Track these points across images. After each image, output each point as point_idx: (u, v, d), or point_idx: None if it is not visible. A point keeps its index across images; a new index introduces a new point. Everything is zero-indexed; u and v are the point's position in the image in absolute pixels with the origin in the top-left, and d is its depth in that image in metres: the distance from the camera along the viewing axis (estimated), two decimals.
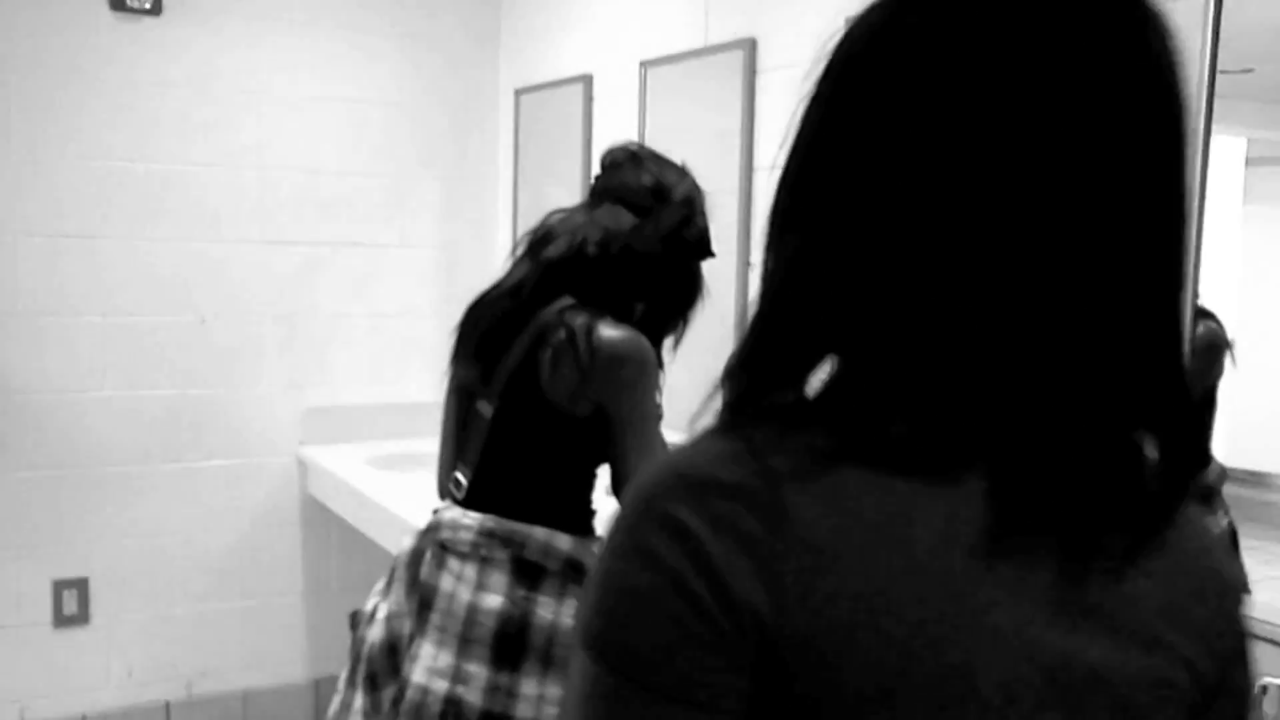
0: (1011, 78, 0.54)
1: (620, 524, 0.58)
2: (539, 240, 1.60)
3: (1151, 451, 0.61)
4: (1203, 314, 1.56)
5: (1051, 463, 0.57)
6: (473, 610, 1.48)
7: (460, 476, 1.58)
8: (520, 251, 1.63)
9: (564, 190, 2.95)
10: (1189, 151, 0.58)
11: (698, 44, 2.58)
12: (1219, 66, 1.51)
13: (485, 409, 1.55)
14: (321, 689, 3.37)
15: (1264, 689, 1.38)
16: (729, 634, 0.54)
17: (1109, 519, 0.60)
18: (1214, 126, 1.53)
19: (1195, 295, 1.55)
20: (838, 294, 0.58)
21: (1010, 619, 0.57)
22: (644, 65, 2.77)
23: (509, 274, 1.63)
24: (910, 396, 0.58)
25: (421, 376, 3.25)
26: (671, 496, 0.56)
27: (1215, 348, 1.59)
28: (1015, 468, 0.57)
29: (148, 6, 3.03)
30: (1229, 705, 0.66)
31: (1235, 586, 0.68)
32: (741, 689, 0.54)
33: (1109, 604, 0.60)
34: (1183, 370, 0.61)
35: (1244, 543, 1.62)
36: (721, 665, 0.54)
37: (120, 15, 3.01)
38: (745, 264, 2.45)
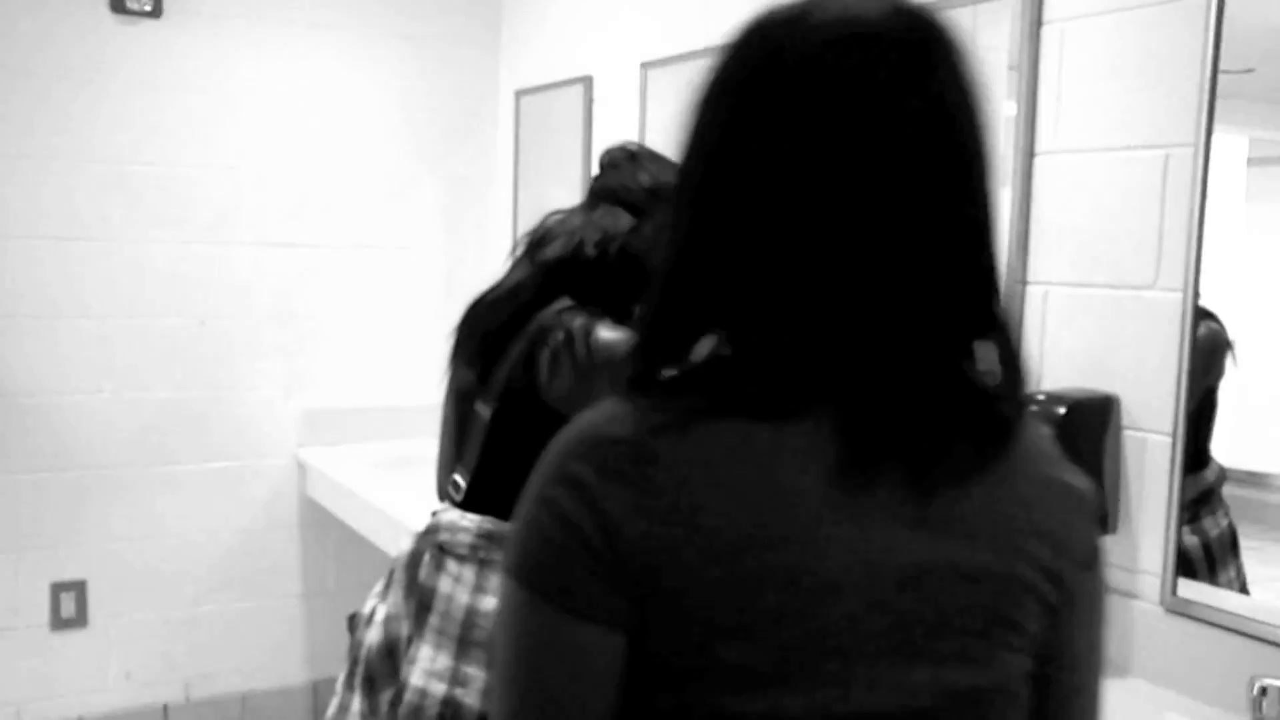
0: (833, 117, 0.71)
1: (538, 476, 0.74)
2: (537, 242, 1.60)
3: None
4: (1204, 314, 1.55)
5: (887, 399, 0.71)
6: (471, 613, 1.47)
7: (458, 478, 1.58)
8: (518, 253, 1.62)
9: (564, 192, 2.94)
10: (1011, 148, 0.74)
11: (698, 45, 2.58)
12: (1220, 66, 1.51)
13: (483, 411, 1.55)
14: (320, 691, 3.36)
15: (1263, 690, 1.37)
16: (611, 562, 0.69)
17: (950, 439, 0.72)
18: (1215, 126, 1.52)
19: (1196, 295, 1.54)
20: (705, 291, 0.74)
21: (864, 531, 0.70)
22: (645, 67, 2.77)
23: (507, 275, 1.62)
24: (765, 361, 0.73)
25: (420, 378, 3.24)
26: (572, 454, 0.72)
27: (1217, 348, 1.59)
28: (858, 406, 0.71)
29: (148, 9, 3.03)
30: (1085, 607, 0.78)
31: (1085, 498, 0.79)
32: (619, 605, 0.69)
33: (959, 514, 0.72)
34: (998, 311, 0.76)
35: (1244, 543, 1.62)
36: (604, 588, 0.69)
37: (120, 17, 3.01)
38: None
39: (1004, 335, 0.76)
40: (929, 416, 0.72)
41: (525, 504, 0.74)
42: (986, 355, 0.76)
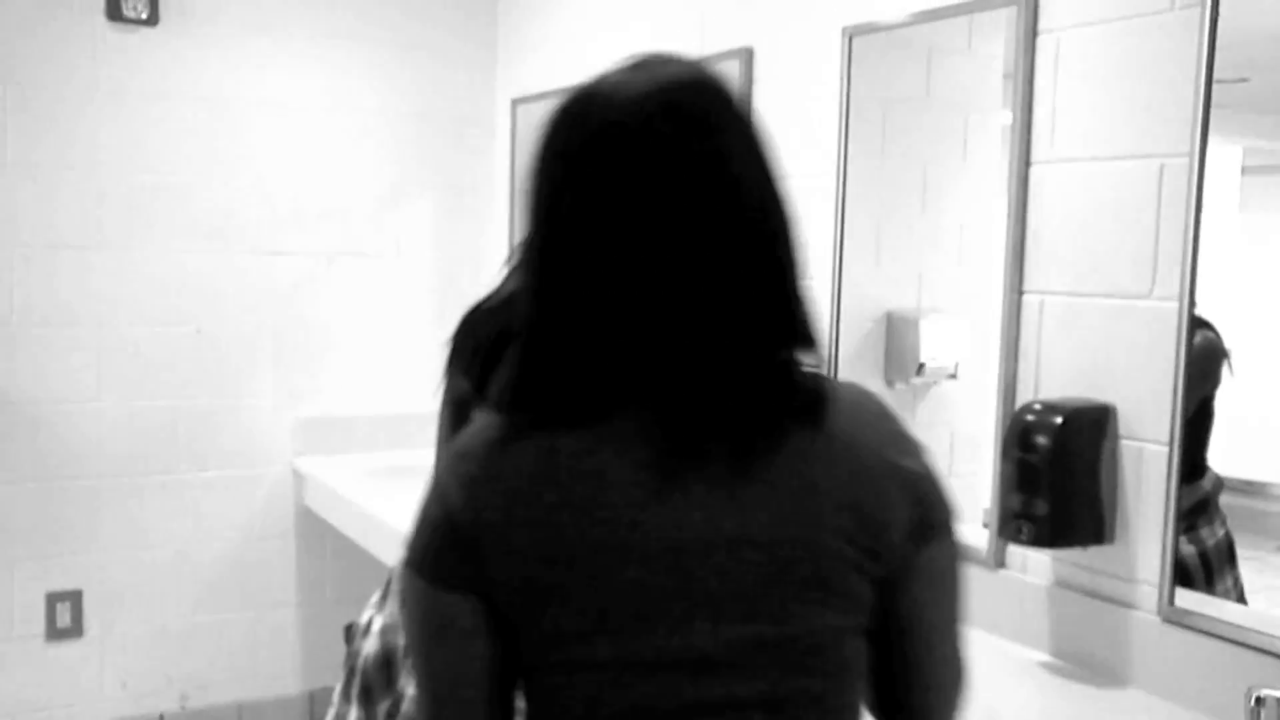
0: (635, 180, 0.86)
1: (428, 484, 0.93)
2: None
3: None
4: (1200, 323, 1.55)
5: (690, 404, 0.86)
6: None
7: None
8: (514, 262, 1.62)
9: None
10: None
11: (694, 53, 2.58)
12: (1215, 76, 1.51)
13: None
14: (316, 701, 3.35)
15: (1260, 700, 1.37)
16: (462, 547, 0.88)
17: (751, 433, 0.86)
18: (1210, 135, 1.52)
19: (1192, 305, 1.54)
20: (556, 327, 0.89)
21: (668, 509, 0.85)
22: None
23: (502, 284, 1.62)
24: (583, 377, 0.88)
25: (417, 387, 3.24)
26: (442, 465, 0.93)
27: (1213, 357, 1.59)
28: (664, 411, 0.86)
29: (144, 17, 3.03)
30: (927, 580, 0.92)
31: (909, 477, 0.90)
32: (469, 574, 0.88)
33: (757, 493, 0.85)
34: (800, 321, 0.90)
35: (1241, 553, 1.62)
36: (466, 571, 0.88)
37: (117, 26, 3.01)
38: None
39: (808, 339, 0.90)
40: (727, 417, 0.86)
41: (418, 508, 0.93)
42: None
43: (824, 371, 0.92)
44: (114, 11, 3.00)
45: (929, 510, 0.92)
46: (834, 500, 0.87)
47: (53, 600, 3.06)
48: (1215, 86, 1.51)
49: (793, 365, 0.89)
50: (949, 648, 0.97)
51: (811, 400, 0.89)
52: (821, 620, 0.87)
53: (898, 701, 0.96)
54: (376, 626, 1.59)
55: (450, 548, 0.89)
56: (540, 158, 0.90)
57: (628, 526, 0.85)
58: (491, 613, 0.88)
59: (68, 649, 3.09)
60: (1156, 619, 1.59)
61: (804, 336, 0.90)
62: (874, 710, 0.98)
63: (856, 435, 0.90)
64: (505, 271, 1.64)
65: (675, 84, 0.88)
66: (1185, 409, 1.55)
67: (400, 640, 1.55)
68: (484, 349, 1.60)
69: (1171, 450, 1.57)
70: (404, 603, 0.95)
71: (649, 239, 0.86)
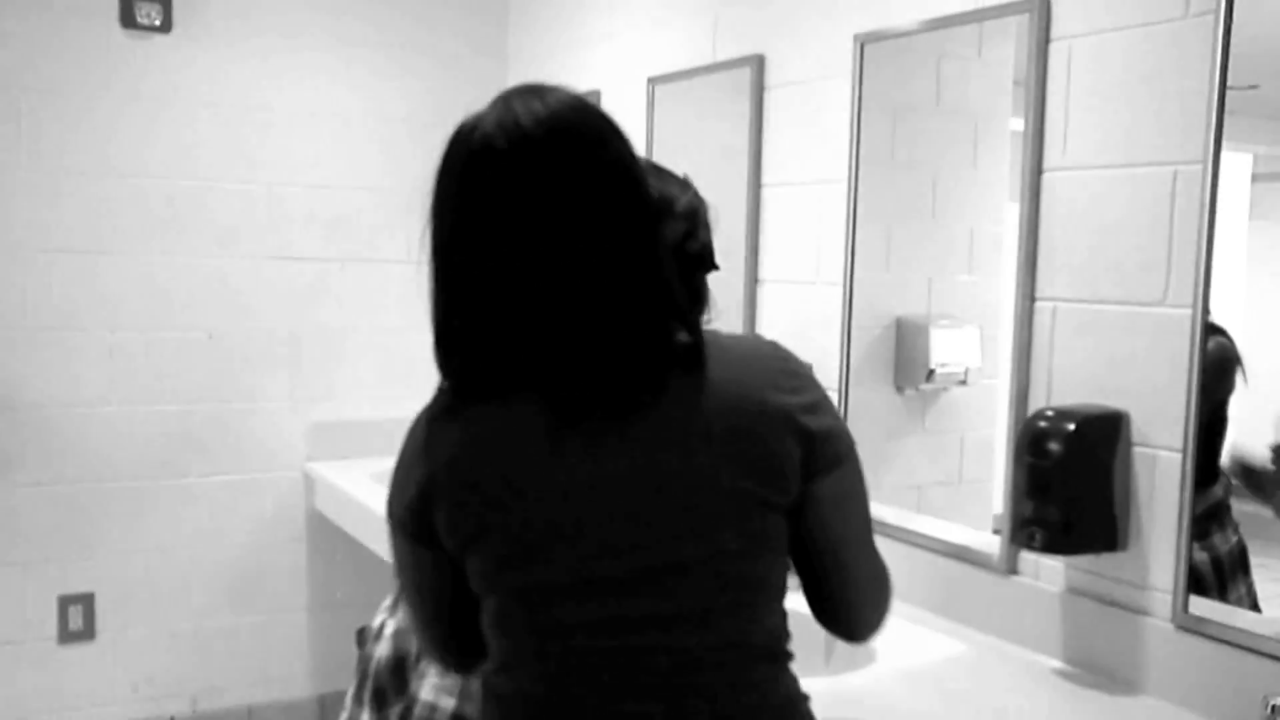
0: (531, 195, 1.02)
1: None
2: None
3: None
4: (1213, 329, 1.55)
5: (575, 379, 1.02)
6: None
7: None
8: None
9: None
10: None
11: (706, 60, 2.59)
12: (1227, 83, 1.51)
13: None
14: (327, 705, 3.36)
15: (1275, 709, 1.37)
16: (411, 501, 1.08)
17: (628, 395, 1.02)
18: (1222, 143, 1.53)
19: (1206, 312, 1.54)
20: (458, 323, 1.08)
21: (564, 461, 1.03)
22: (652, 82, 2.78)
23: None
24: (491, 367, 1.05)
25: (428, 392, 3.24)
26: (406, 437, 1.13)
27: (1226, 363, 1.59)
28: (554, 385, 1.03)
29: (157, 24, 3.05)
30: (828, 506, 1.07)
31: (782, 415, 1.04)
32: (423, 526, 1.08)
33: (639, 444, 1.02)
34: (666, 304, 1.04)
35: (1254, 560, 1.61)
36: (412, 520, 1.09)
37: (130, 33, 3.03)
38: (753, 279, 2.44)
39: (683, 313, 1.05)
40: (602, 381, 1.02)
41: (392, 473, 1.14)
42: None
43: (716, 330, 1.09)
44: (128, 18, 3.02)
45: (818, 444, 1.05)
46: (719, 439, 1.02)
47: (65, 603, 3.08)
48: (1227, 93, 1.51)
49: (672, 331, 1.04)
50: (864, 560, 1.13)
51: (689, 353, 1.04)
52: (715, 547, 1.03)
53: (830, 611, 1.14)
54: (389, 630, 1.60)
55: (408, 508, 1.09)
56: (441, 180, 1.10)
57: (531, 478, 1.04)
58: (444, 555, 1.09)
59: (80, 652, 3.11)
60: (1170, 626, 1.59)
61: (679, 311, 1.05)
62: (816, 619, 1.15)
63: (739, 378, 1.05)
64: None
65: (568, 105, 1.06)
66: (1199, 415, 1.55)
67: (412, 645, 1.56)
68: None
69: (1185, 457, 1.57)
70: (392, 550, 1.17)
71: (536, 244, 1.01)
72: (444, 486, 1.06)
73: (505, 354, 1.04)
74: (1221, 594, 1.58)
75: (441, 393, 1.10)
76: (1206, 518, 1.59)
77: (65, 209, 3.00)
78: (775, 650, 1.09)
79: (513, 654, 1.09)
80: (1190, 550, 1.56)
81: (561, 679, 1.06)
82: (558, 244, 1.01)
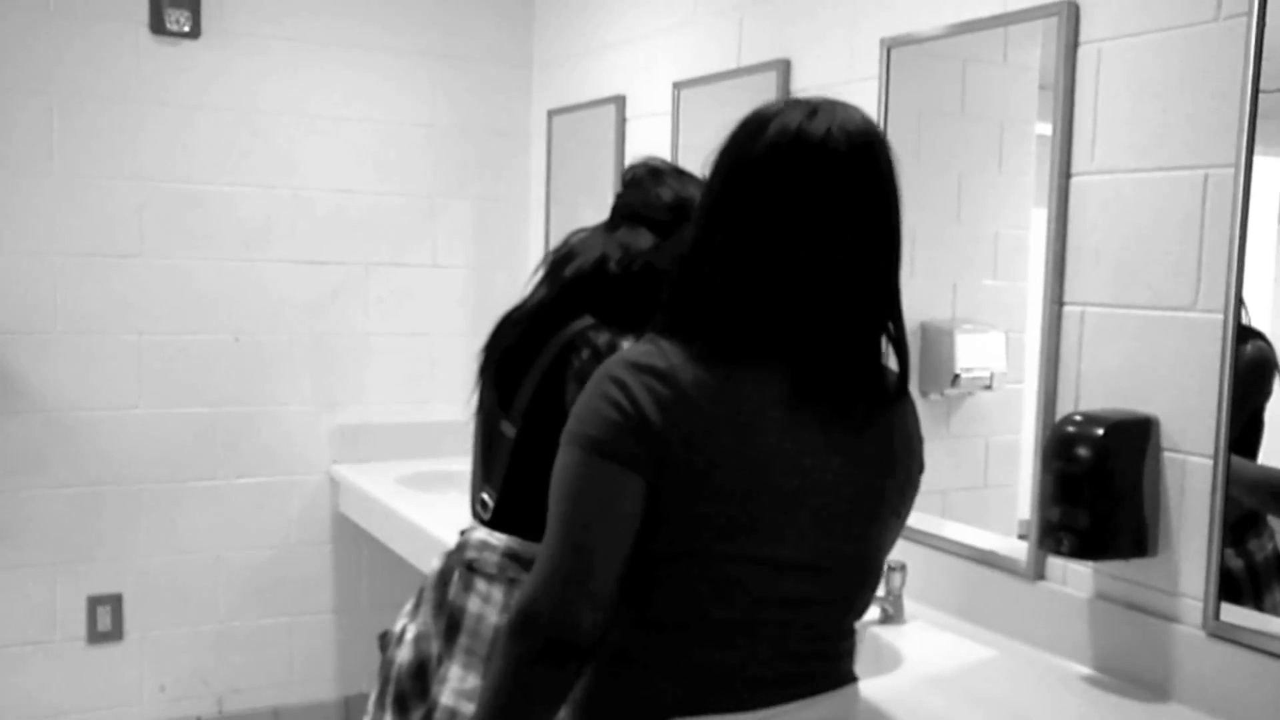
0: (808, 193, 1.13)
1: (593, 380, 1.14)
2: (560, 260, 1.60)
3: (891, 364, 1.21)
4: (1250, 333, 1.54)
5: (818, 362, 1.14)
6: (500, 632, 1.47)
7: (486, 497, 1.58)
8: (542, 272, 1.63)
9: (596, 210, 2.95)
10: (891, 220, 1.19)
11: (731, 65, 2.59)
12: (1260, 86, 1.50)
13: (508, 430, 1.55)
14: (351, 707, 3.37)
15: None
16: (640, 431, 1.09)
17: (856, 395, 1.16)
18: (1255, 147, 1.51)
19: (1238, 316, 1.53)
20: (717, 285, 1.15)
21: (798, 444, 1.12)
22: (677, 86, 2.79)
23: (532, 294, 1.63)
24: (743, 327, 1.14)
25: (452, 396, 3.26)
26: (619, 368, 1.13)
27: (1264, 367, 1.57)
28: (801, 360, 1.13)
29: (187, 30, 3.08)
30: (911, 501, 1.28)
31: (919, 442, 1.26)
32: (643, 455, 1.09)
33: (860, 442, 1.16)
34: (895, 317, 1.18)
35: None
36: (633, 443, 1.09)
37: (160, 39, 3.06)
38: None
39: (898, 336, 1.19)
40: (844, 378, 1.15)
41: (585, 396, 1.14)
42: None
43: (906, 360, 1.21)
44: (157, 25, 3.05)
45: (923, 465, 1.28)
46: (904, 462, 1.21)
47: (94, 604, 3.10)
48: (1260, 97, 1.50)
49: (884, 354, 1.18)
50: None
51: (899, 378, 1.19)
52: (878, 552, 1.23)
53: None
54: (410, 635, 1.60)
55: (636, 437, 1.09)
56: (731, 158, 1.16)
57: (768, 451, 1.11)
58: (650, 496, 1.09)
59: (108, 652, 3.13)
60: (1201, 633, 1.58)
61: (897, 327, 1.19)
62: None
63: (911, 414, 1.24)
64: (534, 282, 1.66)
65: (866, 129, 1.16)
66: (1232, 421, 1.54)
67: (433, 649, 1.56)
68: (498, 358, 1.61)
69: (1216, 463, 1.56)
70: (567, 479, 1.12)
71: (815, 235, 1.12)
72: (690, 433, 1.09)
73: (760, 322, 1.13)
74: (1257, 601, 1.56)
75: (673, 340, 1.14)
76: (1242, 524, 1.57)
77: (94, 213, 3.04)
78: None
79: (695, 617, 1.13)
80: (1221, 557, 1.55)
81: (752, 646, 1.15)
82: (853, 237, 1.13)
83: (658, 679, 1.14)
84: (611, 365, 1.14)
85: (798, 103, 1.17)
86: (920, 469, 1.27)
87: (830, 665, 1.22)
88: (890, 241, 1.16)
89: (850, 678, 1.25)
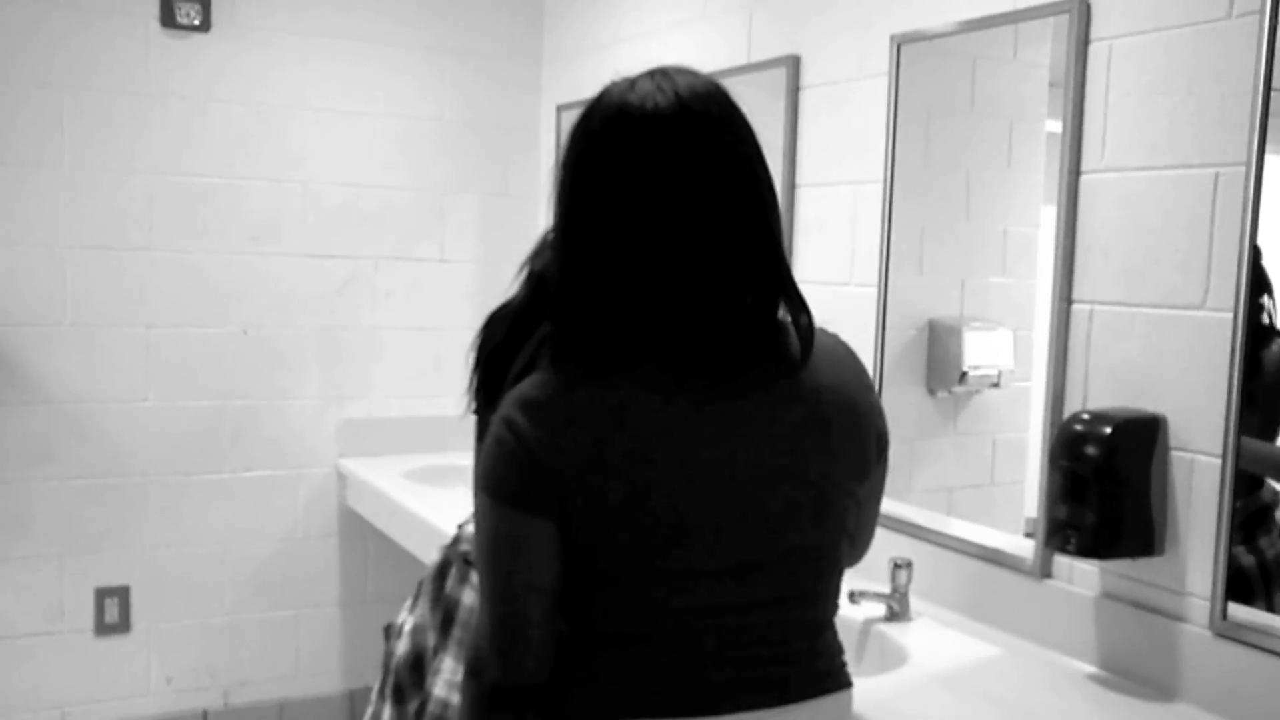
0: (653, 169, 1.05)
1: (492, 425, 1.09)
2: (535, 256, 1.60)
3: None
4: (1275, 332, 1.53)
5: (694, 341, 1.06)
6: None
7: None
8: (527, 270, 1.63)
9: None
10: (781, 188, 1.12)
11: (740, 61, 2.59)
12: (1272, 85, 1.49)
13: None
14: (357, 700, 3.38)
15: None
16: (536, 473, 1.05)
17: (742, 367, 1.08)
18: (1266, 145, 1.51)
19: (1249, 316, 1.53)
20: (580, 291, 1.09)
21: (694, 442, 1.06)
22: None
23: (517, 293, 1.64)
24: (610, 328, 1.07)
25: (460, 390, 3.25)
26: (507, 407, 1.09)
27: None
28: (674, 348, 1.07)
29: (197, 23, 3.08)
30: (875, 492, 1.23)
31: (872, 408, 1.17)
32: (547, 497, 1.05)
33: (766, 426, 1.08)
34: (771, 281, 1.10)
35: None
36: (535, 490, 1.06)
37: (170, 32, 3.07)
38: None
39: (791, 298, 1.11)
40: (723, 356, 1.07)
41: (486, 440, 1.10)
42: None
43: (817, 327, 1.13)
44: (167, 18, 3.05)
45: (882, 435, 1.19)
46: (827, 434, 1.11)
47: (101, 595, 3.12)
48: (1273, 95, 1.49)
49: (782, 322, 1.11)
50: (874, 521, 1.28)
51: (800, 347, 1.11)
52: (812, 539, 1.12)
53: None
54: (408, 628, 1.61)
55: (532, 477, 1.05)
56: (572, 150, 1.09)
57: (657, 451, 1.06)
58: (559, 536, 1.06)
59: (116, 644, 3.15)
60: (1208, 633, 1.57)
61: (792, 293, 1.11)
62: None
63: (840, 376, 1.14)
64: (520, 279, 1.66)
65: (698, 90, 1.08)
66: (1240, 421, 1.53)
67: (430, 641, 1.57)
68: (485, 358, 1.62)
69: (1224, 462, 1.55)
70: (479, 526, 1.10)
71: (662, 221, 1.04)
72: (584, 460, 1.04)
73: (630, 329, 1.07)
74: (1268, 600, 1.56)
75: (557, 368, 1.09)
76: (1252, 521, 1.57)
77: (104, 206, 3.04)
78: (832, 619, 1.20)
79: (632, 630, 1.10)
80: (1230, 556, 1.54)
81: (700, 658, 1.10)
82: (690, 210, 1.04)
83: (610, 694, 1.10)
84: (503, 405, 1.10)
85: (625, 79, 1.10)
86: (878, 441, 1.17)
87: (802, 669, 1.14)
88: (739, 203, 1.06)
89: (837, 684, 1.17)
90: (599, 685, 1.11)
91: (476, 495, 1.10)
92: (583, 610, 1.10)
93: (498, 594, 1.10)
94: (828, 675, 1.17)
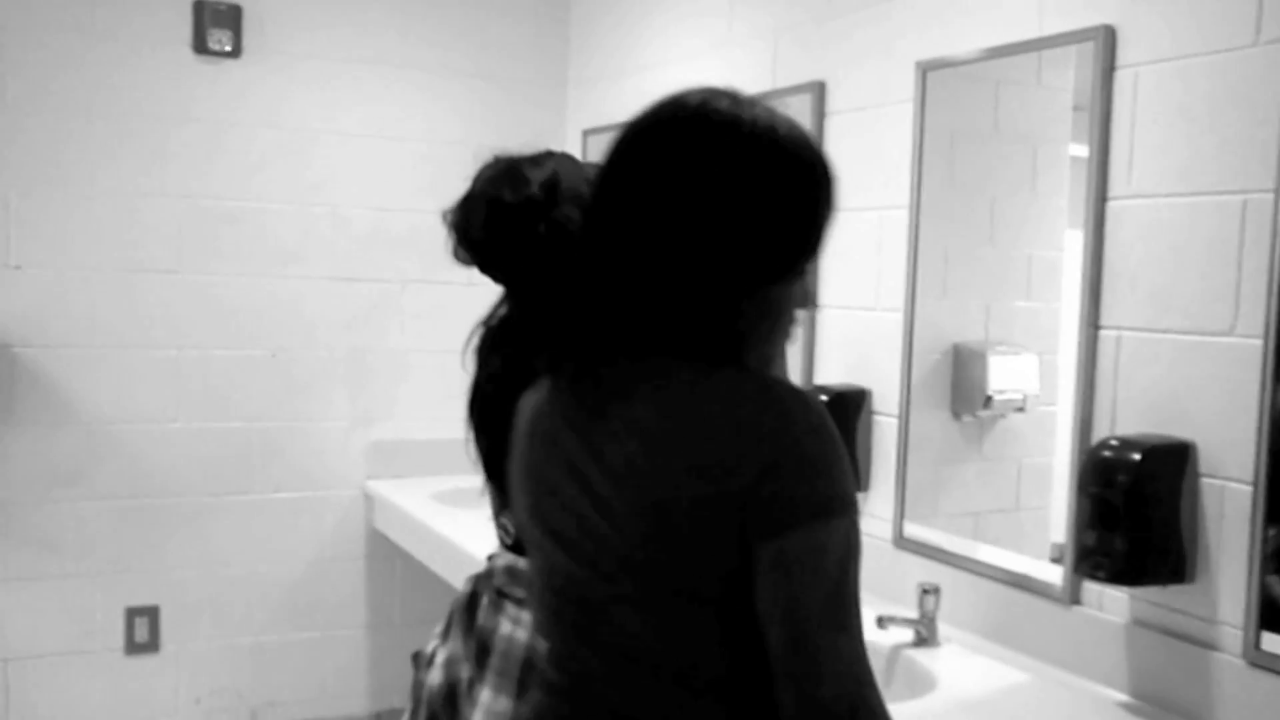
0: (671, 184, 1.02)
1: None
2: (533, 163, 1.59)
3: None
4: None
5: (586, 369, 1.06)
6: (531, 653, 1.47)
7: (506, 522, 1.58)
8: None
9: None
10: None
11: (766, 86, 2.60)
12: None
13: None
14: None
15: None
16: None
17: (633, 390, 1.01)
18: None
19: (1279, 342, 1.52)
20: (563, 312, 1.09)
21: (574, 442, 1.05)
22: None
23: (495, 307, 1.68)
24: (562, 347, 1.09)
25: None
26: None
27: None
28: (572, 375, 1.08)
29: (228, 49, 3.13)
30: (763, 509, 0.93)
31: (762, 433, 0.94)
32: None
33: (630, 434, 1.00)
34: (703, 315, 1.02)
35: None
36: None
37: (202, 58, 3.12)
38: (813, 303, 2.44)
39: (717, 341, 1.02)
40: (611, 378, 1.03)
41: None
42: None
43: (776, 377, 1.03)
44: (200, 44, 3.10)
45: (769, 456, 0.93)
46: (700, 456, 0.95)
47: (131, 615, 3.14)
48: None
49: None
50: (825, 644, 0.91)
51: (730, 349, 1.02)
52: (667, 555, 0.97)
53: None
54: (440, 659, 1.60)
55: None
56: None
57: (528, 463, 1.12)
58: None
59: (145, 663, 3.17)
60: (1241, 662, 1.56)
61: (714, 339, 1.01)
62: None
63: (730, 398, 0.96)
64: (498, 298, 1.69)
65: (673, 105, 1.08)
66: (1271, 448, 1.52)
67: (464, 673, 1.57)
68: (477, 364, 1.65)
69: (1256, 490, 1.55)
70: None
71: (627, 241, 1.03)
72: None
73: (568, 340, 1.10)
74: None
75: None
76: None
77: (135, 230, 3.09)
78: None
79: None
80: (1263, 584, 1.53)
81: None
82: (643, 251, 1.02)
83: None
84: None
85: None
86: (770, 468, 0.93)
87: None
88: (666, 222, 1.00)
89: None
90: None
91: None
92: None
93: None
94: None
